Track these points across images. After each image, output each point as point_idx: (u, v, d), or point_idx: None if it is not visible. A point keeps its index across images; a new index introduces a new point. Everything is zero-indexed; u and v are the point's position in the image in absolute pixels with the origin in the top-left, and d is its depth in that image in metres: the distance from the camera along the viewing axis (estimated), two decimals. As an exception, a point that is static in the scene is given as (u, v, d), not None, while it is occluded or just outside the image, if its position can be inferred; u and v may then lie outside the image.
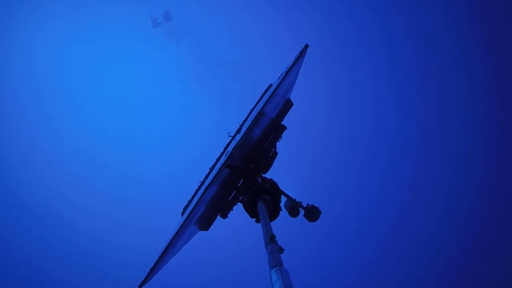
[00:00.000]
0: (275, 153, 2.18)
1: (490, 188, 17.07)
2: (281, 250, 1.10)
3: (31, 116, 19.76)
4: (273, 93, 1.76)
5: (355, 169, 20.01)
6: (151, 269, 1.68)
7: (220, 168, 1.77)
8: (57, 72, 20.61)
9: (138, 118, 22.49)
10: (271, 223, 1.47)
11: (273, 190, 1.81)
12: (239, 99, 21.18)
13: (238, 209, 2.04)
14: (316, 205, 2.45)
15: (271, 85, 2.45)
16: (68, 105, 20.83)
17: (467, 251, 17.09)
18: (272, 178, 2.06)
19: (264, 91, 2.49)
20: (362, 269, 18.52)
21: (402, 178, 19.00)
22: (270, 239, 1.13)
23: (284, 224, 1.76)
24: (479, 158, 17.46)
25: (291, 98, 2.32)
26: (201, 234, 2.19)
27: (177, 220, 2.25)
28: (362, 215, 19.25)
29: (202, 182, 2.32)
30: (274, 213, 1.76)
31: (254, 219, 1.78)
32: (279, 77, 2.07)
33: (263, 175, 2.00)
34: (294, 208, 2.38)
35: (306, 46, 1.91)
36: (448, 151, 18.22)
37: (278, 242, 1.11)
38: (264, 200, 1.66)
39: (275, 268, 0.94)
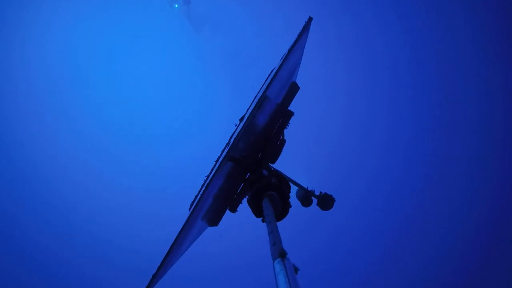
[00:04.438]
0: (283, 141, 2.07)
1: (506, 192, 16.52)
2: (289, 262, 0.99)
3: (46, 109, 20.07)
4: (275, 75, 1.63)
5: (369, 164, 19.66)
6: (154, 275, 1.59)
7: (222, 161, 1.66)
8: (67, 59, 20.51)
9: (149, 105, 22.33)
10: (279, 223, 1.31)
11: (280, 185, 1.61)
12: (255, 90, 20.59)
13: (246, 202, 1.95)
14: (329, 193, 2.35)
15: (274, 69, 2.32)
16: (80, 93, 20.83)
17: (479, 254, 16.74)
18: (281, 168, 1.95)
19: (267, 76, 2.36)
20: (369, 268, 18.42)
21: (416, 178, 18.56)
22: (274, 244, 1.00)
23: (292, 218, 1.60)
24: (496, 160, 16.83)
25: (297, 82, 2.19)
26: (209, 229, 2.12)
27: (185, 215, 2.18)
28: (372, 213, 18.99)
29: (208, 176, 2.23)
30: (282, 211, 1.55)
31: (261, 218, 1.57)
32: (281, 58, 1.93)
33: (271, 166, 1.88)
34: (306, 197, 2.28)
35: (310, 19, 1.72)
36: (465, 151, 17.64)
37: (285, 250, 0.98)
38: (270, 197, 1.48)
39: (278, 259, 0.92)
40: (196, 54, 22.50)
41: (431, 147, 18.55)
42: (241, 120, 2.18)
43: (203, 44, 22.22)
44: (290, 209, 1.61)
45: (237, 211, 2.04)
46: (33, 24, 19.61)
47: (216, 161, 2.28)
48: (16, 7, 18.99)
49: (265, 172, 1.74)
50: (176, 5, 18.18)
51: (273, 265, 0.91)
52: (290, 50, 1.71)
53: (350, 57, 20.04)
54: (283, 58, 1.80)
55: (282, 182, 1.69)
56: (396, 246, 18.56)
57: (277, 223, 1.26)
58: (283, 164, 2.03)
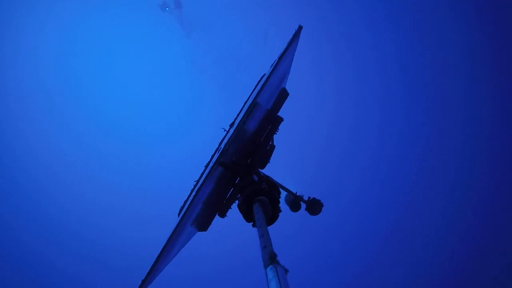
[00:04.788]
0: (273, 147, 2.08)
1: (495, 189, 16.82)
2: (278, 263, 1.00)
3: (39, 109, 19.72)
4: (265, 82, 1.65)
5: (357, 165, 19.82)
6: (143, 281, 1.58)
7: (212, 167, 1.66)
8: (61, 60, 20.29)
9: (139, 107, 22.11)
10: (269, 227, 1.33)
11: (271, 190, 1.63)
12: (244, 93, 20.43)
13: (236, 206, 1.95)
14: (317, 198, 2.37)
15: (264, 75, 2.35)
16: (72, 94, 20.61)
17: (470, 251, 17.03)
18: (271, 173, 1.96)
19: (257, 82, 2.38)
20: (361, 269, 18.56)
21: (405, 178, 18.77)
22: (265, 247, 1.02)
23: (281, 223, 1.62)
24: (484, 159, 17.16)
25: (286, 88, 2.22)
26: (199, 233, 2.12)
27: (174, 221, 2.17)
28: (363, 214, 19.14)
29: (197, 181, 2.23)
30: (272, 216, 1.57)
31: (251, 223, 1.57)
32: (271, 65, 1.96)
33: (261, 172, 1.90)
34: (295, 202, 2.30)
35: (300, 27, 1.76)
36: (453, 151, 17.95)
37: (275, 251, 1.00)
38: (260, 202, 1.50)
39: (270, 266, 0.91)
40: (187, 57, 22.46)
41: (420, 151, 18.82)
42: (231, 125, 2.19)
43: (194, 48, 22.22)
44: (280, 214, 1.63)
45: (226, 216, 2.04)
46: (29, 25, 19.35)
47: (206, 166, 2.27)
48: (12, 7, 18.69)
49: (255, 177, 1.75)
50: (167, 8, 18.37)
51: (266, 272, 0.91)
52: (280, 58, 1.73)
53: (339, 61, 20.29)
54: (273, 65, 1.82)
55: (272, 187, 1.71)
56: (385, 249, 18.74)
57: (268, 227, 1.28)
58: (272, 170, 2.05)
